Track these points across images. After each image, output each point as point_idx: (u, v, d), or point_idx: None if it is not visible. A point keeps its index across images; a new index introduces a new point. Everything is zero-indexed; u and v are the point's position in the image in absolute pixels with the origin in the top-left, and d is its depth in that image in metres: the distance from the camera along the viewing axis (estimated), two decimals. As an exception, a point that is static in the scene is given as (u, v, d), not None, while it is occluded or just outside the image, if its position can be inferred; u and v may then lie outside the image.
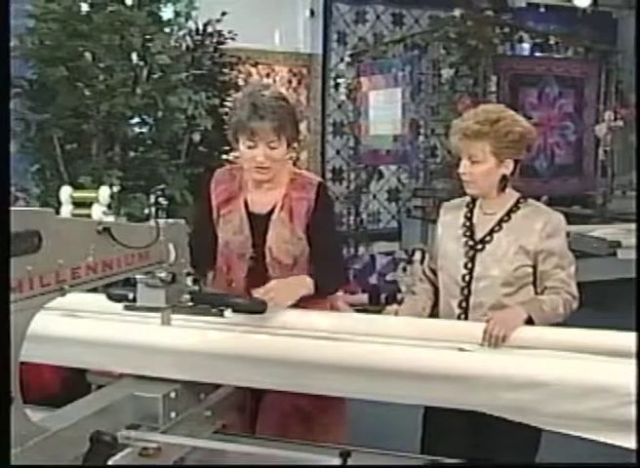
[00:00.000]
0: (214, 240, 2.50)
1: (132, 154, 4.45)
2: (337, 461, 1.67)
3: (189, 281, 1.96)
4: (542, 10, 8.40)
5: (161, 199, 1.85)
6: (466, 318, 2.44)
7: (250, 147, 2.34)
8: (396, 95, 7.08)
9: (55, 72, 4.02)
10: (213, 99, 4.59)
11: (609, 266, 5.68)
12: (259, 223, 2.44)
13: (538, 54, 7.44)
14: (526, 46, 7.45)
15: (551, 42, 7.24)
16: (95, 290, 1.75)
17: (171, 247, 1.87)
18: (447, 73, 6.58)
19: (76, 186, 3.77)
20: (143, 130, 4.55)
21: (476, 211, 2.53)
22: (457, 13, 6.62)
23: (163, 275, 1.86)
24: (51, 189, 4.01)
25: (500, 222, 2.47)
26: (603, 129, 7.37)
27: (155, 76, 4.25)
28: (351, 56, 7.62)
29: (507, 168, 2.42)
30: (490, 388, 1.77)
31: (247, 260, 2.45)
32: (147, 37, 4.20)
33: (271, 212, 2.43)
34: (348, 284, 2.37)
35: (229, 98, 5.56)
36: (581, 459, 2.41)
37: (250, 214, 2.46)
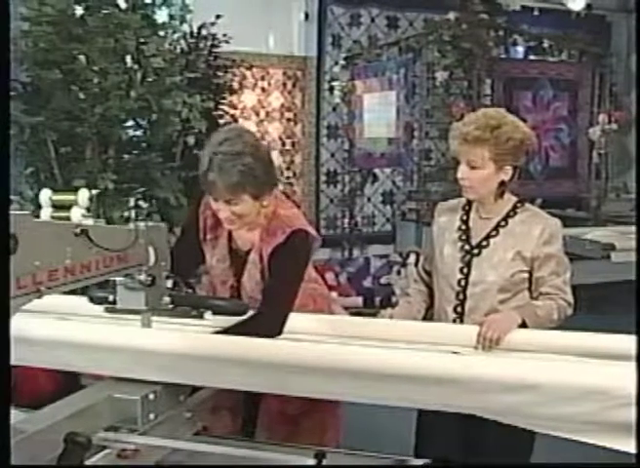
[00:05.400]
0: (199, 254, 2.48)
1: (126, 157, 4.46)
2: (311, 462, 1.68)
3: (169, 283, 1.96)
4: (536, 13, 8.40)
5: (141, 202, 1.85)
6: (461, 323, 2.44)
7: (213, 199, 2.25)
8: (391, 97, 7.09)
9: (49, 75, 4.02)
10: (207, 102, 4.60)
11: (603, 269, 5.70)
12: (239, 260, 2.41)
13: (532, 57, 7.46)
14: (520, 49, 7.47)
15: (545, 45, 7.27)
16: (74, 292, 1.75)
17: (150, 249, 1.87)
18: (441, 76, 6.59)
19: (69, 189, 3.76)
20: (138, 133, 4.56)
21: (472, 214, 2.52)
22: (451, 16, 6.64)
23: (142, 277, 1.86)
24: (45, 192, 4.01)
25: (496, 227, 2.46)
26: (597, 132, 7.40)
27: (149, 79, 4.25)
28: (346, 59, 7.63)
29: (506, 174, 2.40)
30: (484, 391, 1.77)
31: (228, 288, 2.44)
32: (142, 40, 4.20)
33: (250, 251, 2.39)
34: (277, 334, 2.23)
35: (224, 101, 5.58)
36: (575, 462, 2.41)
37: (232, 249, 2.43)
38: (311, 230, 2.38)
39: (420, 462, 1.91)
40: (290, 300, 2.28)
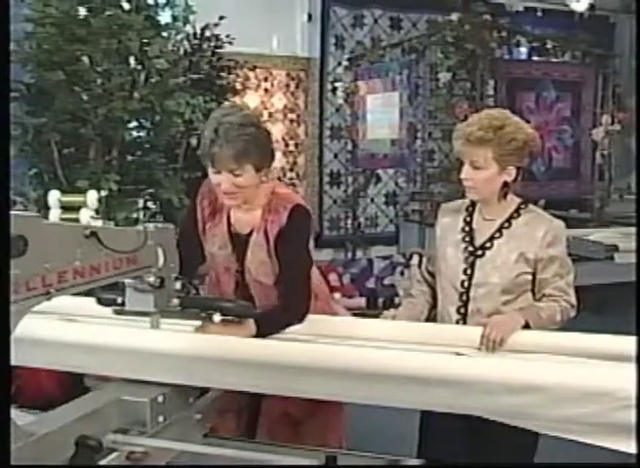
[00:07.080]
0: (199, 250, 2.49)
1: (129, 158, 4.46)
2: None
3: (178, 285, 1.96)
4: (540, 14, 8.41)
5: (149, 203, 1.84)
6: (465, 324, 2.43)
7: (215, 173, 2.28)
8: (394, 98, 7.09)
9: (52, 76, 4.03)
10: (210, 103, 4.60)
11: (606, 270, 5.70)
12: (240, 243, 2.42)
13: (535, 58, 7.44)
14: (523, 50, 7.46)
15: (548, 46, 7.24)
16: (81, 292, 1.76)
17: (159, 251, 1.86)
18: (444, 77, 6.58)
19: (72, 190, 3.77)
20: (141, 134, 4.56)
21: (476, 215, 2.52)
22: (454, 17, 6.62)
23: (152, 279, 1.86)
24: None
25: (500, 229, 2.46)
26: (600, 132, 7.39)
27: (153, 80, 4.25)
28: (349, 60, 7.63)
29: (510, 175, 2.40)
30: (487, 392, 1.77)
31: (233, 274, 2.45)
32: (145, 41, 4.21)
33: (251, 232, 2.40)
34: (305, 316, 2.31)
35: (227, 102, 5.58)
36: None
37: (232, 233, 2.44)
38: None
39: (417, 462, 1.91)
40: (308, 280, 2.37)
